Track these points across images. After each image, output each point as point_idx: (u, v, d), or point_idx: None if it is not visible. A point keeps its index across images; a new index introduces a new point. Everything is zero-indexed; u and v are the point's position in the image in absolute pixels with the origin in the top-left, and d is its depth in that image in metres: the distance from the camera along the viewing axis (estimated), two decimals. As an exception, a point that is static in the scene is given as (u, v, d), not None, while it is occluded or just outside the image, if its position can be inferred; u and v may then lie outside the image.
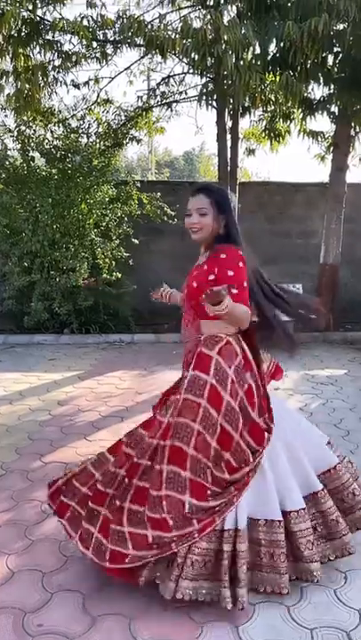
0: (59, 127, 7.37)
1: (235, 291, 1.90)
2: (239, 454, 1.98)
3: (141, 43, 6.05)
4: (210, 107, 7.02)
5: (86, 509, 2.12)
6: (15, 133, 7.09)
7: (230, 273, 1.95)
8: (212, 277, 2.00)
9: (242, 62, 5.55)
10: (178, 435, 1.96)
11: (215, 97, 6.88)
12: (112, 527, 1.98)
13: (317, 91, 8.83)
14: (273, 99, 7.34)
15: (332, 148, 7.57)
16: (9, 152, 7.25)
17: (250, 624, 1.92)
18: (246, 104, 7.36)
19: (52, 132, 7.33)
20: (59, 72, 6.91)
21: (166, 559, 1.92)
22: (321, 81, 6.33)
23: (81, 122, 7.48)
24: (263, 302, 2.12)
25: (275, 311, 2.15)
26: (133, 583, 1.95)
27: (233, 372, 2.00)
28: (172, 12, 6.78)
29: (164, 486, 1.93)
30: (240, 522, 1.93)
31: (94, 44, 6.53)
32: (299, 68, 5.93)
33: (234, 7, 6.51)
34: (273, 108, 7.63)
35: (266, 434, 2.02)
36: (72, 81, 7.26)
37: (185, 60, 6.43)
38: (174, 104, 7.93)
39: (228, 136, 7.44)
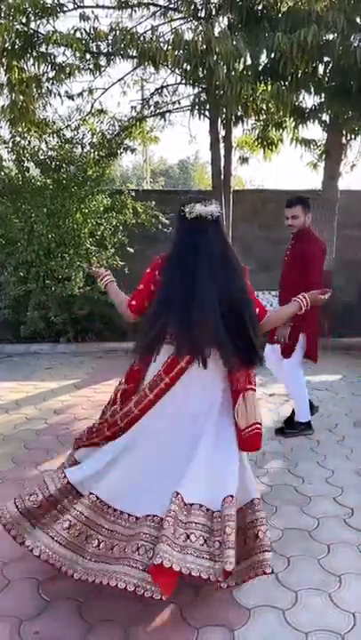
0: (53, 138, 7.41)
1: (141, 286, 2.22)
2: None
3: (134, 54, 6.12)
4: (203, 116, 7.10)
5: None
6: (10, 144, 7.13)
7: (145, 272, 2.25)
8: None
9: (233, 73, 5.61)
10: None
11: (208, 107, 6.96)
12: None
13: (309, 100, 8.93)
14: (265, 108, 7.43)
15: (324, 156, 7.65)
16: (4, 163, 7.29)
17: (245, 628, 1.94)
18: (239, 113, 7.44)
19: (46, 142, 7.37)
20: (53, 84, 6.97)
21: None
22: (312, 90, 6.41)
23: (75, 132, 7.53)
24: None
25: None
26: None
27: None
28: (164, 23, 6.88)
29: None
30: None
31: (88, 56, 6.59)
32: (289, 77, 6.00)
33: (225, 19, 6.62)
34: (265, 116, 7.71)
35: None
36: (66, 92, 7.32)
37: (177, 70, 6.51)
38: (168, 114, 8.01)
39: (222, 145, 7.52)
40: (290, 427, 3.93)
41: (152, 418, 2.14)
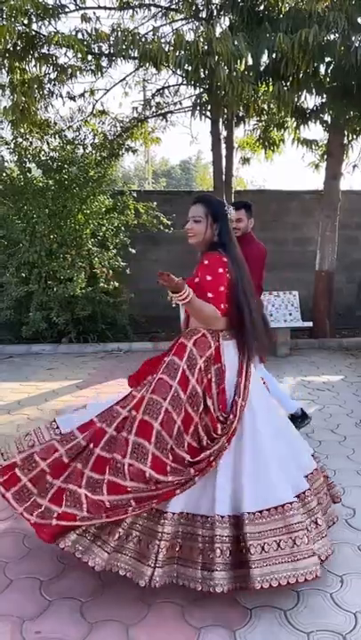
0: (55, 139, 7.44)
1: (210, 295, 2.15)
2: (196, 437, 2.13)
3: (136, 55, 6.14)
4: (204, 117, 7.11)
5: (39, 486, 2.16)
6: (12, 145, 7.16)
7: (208, 278, 2.18)
8: (196, 280, 2.23)
9: (235, 73, 5.63)
10: (148, 410, 2.11)
11: (209, 107, 6.98)
12: (69, 488, 2.07)
13: (310, 100, 8.91)
14: (266, 108, 7.44)
15: (325, 156, 7.65)
16: (6, 164, 7.31)
17: (247, 628, 1.93)
18: (240, 114, 7.45)
19: (48, 143, 7.40)
20: (54, 85, 7.01)
21: (105, 529, 2.01)
22: (313, 91, 6.42)
23: (77, 133, 7.56)
24: (245, 308, 2.26)
25: (252, 318, 2.29)
26: (54, 543, 2.03)
27: (203, 361, 2.19)
28: (165, 24, 6.90)
29: (128, 456, 2.04)
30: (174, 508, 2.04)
31: (89, 57, 6.61)
32: (291, 78, 6.02)
33: (226, 19, 6.63)
34: (267, 117, 7.73)
35: (220, 424, 2.13)
36: (68, 93, 7.35)
37: (179, 71, 6.52)
38: (169, 114, 8.03)
39: (223, 145, 7.53)
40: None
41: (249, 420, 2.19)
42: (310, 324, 7.16)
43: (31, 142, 7.31)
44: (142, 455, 2.03)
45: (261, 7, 6.25)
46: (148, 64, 6.08)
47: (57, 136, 7.43)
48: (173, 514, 2.03)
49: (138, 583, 1.96)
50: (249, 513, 2.02)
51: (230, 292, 2.20)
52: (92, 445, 2.17)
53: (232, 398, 2.17)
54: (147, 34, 6.26)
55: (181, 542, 2.05)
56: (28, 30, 6.25)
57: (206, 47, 5.56)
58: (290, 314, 6.94)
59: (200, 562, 2.00)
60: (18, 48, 6.37)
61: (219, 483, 2.06)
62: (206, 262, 2.20)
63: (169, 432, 2.07)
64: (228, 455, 2.10)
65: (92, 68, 6.84)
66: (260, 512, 2.05)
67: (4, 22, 5.72)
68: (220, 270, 2.17)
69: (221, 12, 6.58)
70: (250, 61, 5.97)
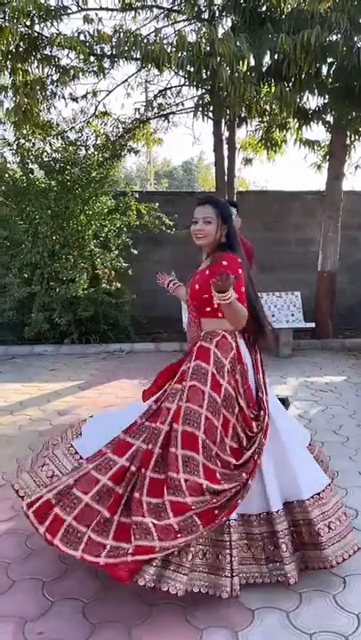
0: (57, 140, 7.46)
1: (236, 295, 2.10)
2: (236, 438, 2.16)
3: (138, 57, 6.14)
4: (206, 118, 7.11)
5: (87, 522, 1.99)
6: (14, 147, 7.17)
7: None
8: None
9: (237, 74, 5.63)
10: (188, 420, 2.09)
11: (211, 108, 6.98)
12: (135, 521, 1.95)
13: (312, 101, 8.90)
14: (268, 109, 7.44)
15: (328, 157, 7.65)
16: (8, 165, 7.33)
17: (249, 629, 1.93)
18: (242, 114, 7.45)
19: (50, 144, 7.41)
20: (57, 86, 7.02)
21: (174, 552, 1.92)
22: (315, 91, 6.42)
23: (79, 134, 7.57)
24: (256, 306, 2.33)
25: (262, 315, 2.37)
26: (135, 585, 1.90)
27: (228, 362, 2.21)
28: (167, 26, 6.91)
29: (181, 471, 2.01)
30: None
31: (91, 59, 6.62)
32: (293, 79, 6.02)
33: (228, 21, 6.64)
34: (269, 118, 7.73)
35: (254, 422, 2.17)
36: (70, 94, 7.37)
37: (181, 72, 6.52)
38: (171, 115, 8.04)
39: (226, 146, 7.52)
40: None
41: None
42: (313, 324, 7.16)
43: (34, 143, 7.32)
44: (194, 468, 2.01)
45: (264, 8, 6.26)
46: (150, 65, 6.09)
47: (59, 137, 7.45)
48: (236, 520, 2.05)
49: (220, 596, 1.94)
50: (309, 499, 2.15)
51: (245, 291, 2.23)
52: (143, 470, 2.08)
53: (256, 395, 2.23)
54: (149, 35, 6.26)
55: (243, 543, 2.09)
56: (30, 32, 6.26)
57: (208, 48, 5.57)
58: (292, 314, 6.93)
59: (263, 557, 2.09)
60: (20, 49, 6.38)
61: (266, 478, 2.12)
62: (225, 263, 2.17)
63: (212, 439, 2.08)
64: (265, 451, 2.15)
65: (95, 69, 6.85)
66: (318, 494, 2.19)
67: (7, 24, 5.74)
68: (240, 271, 2.18)
69: (223, 13, 6.59)
70: (252, 62, 5.97)
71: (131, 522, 1.96)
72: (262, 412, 2.19)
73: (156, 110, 7.92)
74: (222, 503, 1.98)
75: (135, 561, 1.86)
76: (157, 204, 7.76)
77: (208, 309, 2.26)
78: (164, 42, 5.91)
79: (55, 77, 6.85)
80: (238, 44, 5.43)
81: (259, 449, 2.12)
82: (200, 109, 6.92)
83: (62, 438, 2.47)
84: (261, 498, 2.11)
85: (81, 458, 2.26)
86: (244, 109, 7.09)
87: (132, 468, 2.09)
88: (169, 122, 8.10)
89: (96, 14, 6.48)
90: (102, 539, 1.95)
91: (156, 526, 1.92)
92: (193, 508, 1.95)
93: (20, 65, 6.56)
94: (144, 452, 2.11)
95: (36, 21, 6.19)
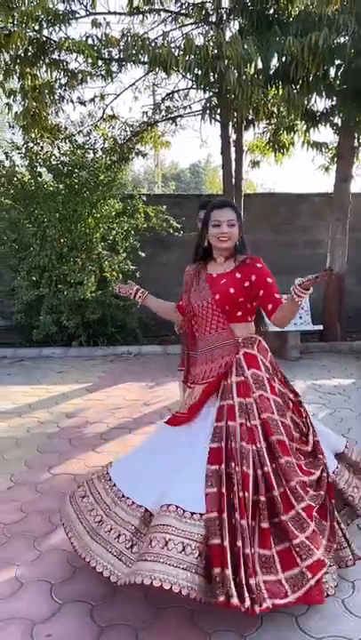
0: (65, 143, 7.49)
1: (278, 296, 2.25)
2: (298, 428, 2.30)
3: (145, 60, 6.16)
4: (214, 120, 7.12)
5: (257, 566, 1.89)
6: (23, 150, 7.22)
7: (269, 280, 2.27)
8: (247, 284, 2.24)
9: (244, 77, 5.62)
10: (274, 429, 2.12)
11: (219, 111, 6.98)
12: (295, 544, 1.93)
13: (320, 103, 8.86)
14: (276, 111, 7.43)
15: (336, 159, 7.63)
16: (17, 168, 7.38)
17: (257, 634, 1.93)
18: (250, 117, 7.45)
19: (58, 148, 7.46)
20: (65, 90, 7.06)
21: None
22: (323, 93, 6.40)
23: (87, 138, 7.60)
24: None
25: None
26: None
27: (269, 363, 2.32)
28: (175, 29, 6.92)
29: (293, 476, 2.07)
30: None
31: (99, 62, 6.65)
32: (300, 81, 6.00)
33: (236, 23, 6.64)
34: (276, 120, 7.71)
35: (301, 408, 2.37)
36: (78, 98, 7.42)
37: (189, 75, 6.53)
38: (179, 118, 8.05)
39: (233, 148, 7.53)
40: None
41: None
42: (321, 327, 7.12)
43: (42, 147, 7.37)
44: (293, 469, 2.10)
45: (271, 11, 6.25)
46: (157, 68, 6.11)
47: (67, 141, 7.49)
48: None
49: (346, 565, 2.20)
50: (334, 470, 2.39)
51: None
52: (259, 495, 1.98)
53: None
54: (157, 38, 6.27)
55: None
56: (38, 36, 6.30)
57: (216, 51, 5.57)
58: (300, 317, 6.91)
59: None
60: (29, 54, 6.43)
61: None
62: (260, 265, 2.27)
63: (291, 439, 2.20)
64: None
65: (103, 73, 6.87)
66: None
67: (16, 28, 5.78)
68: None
69: (231, 16, 6.59)
70: (260, 65, 5.96)
71: (290, 546, 1.93)
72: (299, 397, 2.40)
73: (163, 113, 7.94)
74: (325, 491, 2.18)
75: (318, 581, 1.90)
76: (165, 206, 7.78)
77: (239, 313, 2.27)
78: (172, 45, 5.92)
79: (63, 81, 6.89)
80: (246, 46, 5.43)
81: (313, 429, 2.32)
82: (207, 112, 6.92)
83: (101, 496, 2.23)
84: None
85: (123, 495, 2.12)
86: (251, 112, 7.09)
87: (256, 498, 1.98)
88: (176, 125, 8.12)
89: (104, 18, 6.51)
90: (270, 576, 1.88)
91: (309, 538, 1.97)
92: (314, 506, 2.08)
93: (28, 69, 6.61)
94: (257, 476, 2.01)
95: (45, 26, 6.23)
